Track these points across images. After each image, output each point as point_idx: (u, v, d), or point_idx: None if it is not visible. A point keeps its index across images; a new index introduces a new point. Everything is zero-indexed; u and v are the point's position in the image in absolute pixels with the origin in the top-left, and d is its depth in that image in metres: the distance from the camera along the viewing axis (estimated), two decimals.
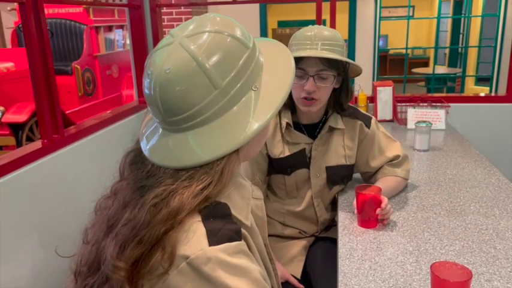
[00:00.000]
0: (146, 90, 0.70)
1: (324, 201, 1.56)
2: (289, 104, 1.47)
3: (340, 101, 1.47)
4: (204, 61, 0.66)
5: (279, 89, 0.72)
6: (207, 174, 0.68)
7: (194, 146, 0.69)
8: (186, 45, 0.67)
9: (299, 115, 1.50)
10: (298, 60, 1.34)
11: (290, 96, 1.45)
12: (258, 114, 0.69)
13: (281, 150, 1.49)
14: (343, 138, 1.51)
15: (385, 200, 1.28)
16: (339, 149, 1.50)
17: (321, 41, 1.35)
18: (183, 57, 0.67)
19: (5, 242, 1.34)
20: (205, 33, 0.69)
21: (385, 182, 1.47)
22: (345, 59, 1.36)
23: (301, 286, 1.48)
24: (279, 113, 1.49)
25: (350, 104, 1.52)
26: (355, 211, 1.32)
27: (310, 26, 1.42)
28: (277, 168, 1.52)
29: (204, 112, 0.68)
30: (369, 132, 1.51)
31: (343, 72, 1.41)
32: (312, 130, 1.50)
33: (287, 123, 1.47)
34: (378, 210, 1.26)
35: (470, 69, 6.23)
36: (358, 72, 1.47)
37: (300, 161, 1.50)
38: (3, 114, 4.58)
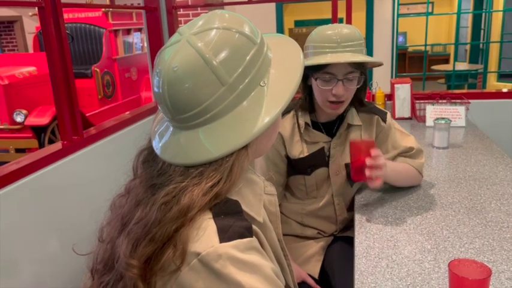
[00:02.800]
0: (155, 89, 0.71)
1: (345, 199, 1.55)
2: (308, 107, 1.46)
3: (360, 97, 1.46)
4: (212, 58, 0.67)
5: (287, 84, 0.71)
6: (216, 171, 0.68)
7: (205, 142, 0.69)
8: (193, 42, 0.68)
9: (317, 114, 1.49)
10: (324, 64, 1.32)
11: (310, 98, 1.44)
12: (267, 109, 0.69)
13: (300, 151, 1.48)
14: (361, 133, 1.49)
15: (377, 151, 1.27)
16: None
17: (343, 42, 1.32)
18: (190, 54, 0.67)
19: (28, 241, 1.37)
20: (213, 30, 0.69)
21: (398, 164, 1.46)
22: (374, 59, 1.35)
23: (318, 287, 1.48)
24: (296, 114, 1.49)
25: (367, 100, 1.51)
26: (351, 164, 1.32)
27: (328, 25, 1.40)
28: (297, 168, 1.51)
29: (213, 109, 0.68)
30: (385, 127, 1.50)
31: (364, 70, 1.39)
32: (330, 128, 1.50)
33: (306, 123, 1.46)
34: (368, 160, 1.26)
35: (492, 65, 6.10)
36: (377, 64, 1.45)
37: (319, 160, 1.49)
38: (26, 117, 4.69)
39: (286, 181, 1.58)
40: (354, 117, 1.48)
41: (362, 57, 1.33)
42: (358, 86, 1.38)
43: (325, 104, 1.40)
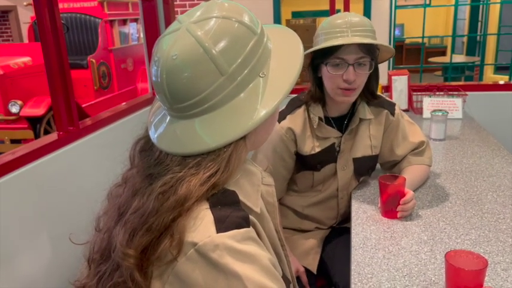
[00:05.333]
0: (154, 78, 0.71)
1: (348, 194, 1.53)
2: (320, 98, 1.42)
3: (371, 88, 1.42)
4: (211, 47, 0.66)
5: (287, 76, 0.71)
6: (214, 161, 0.68)
7: (201, 133, 0.69)
8: (192, 31, 0.67)
9: (329, 108, 1.44)
10: (334, 49, 1.29)
11: (321, 89, 1.40)
12: (265, 101, 0.69)
13: (312, 147, 1.44)
14: (369, 128, 1.47)
15: (409, 193, 1.25)
16: (365, 140, 1.47)
17: (352, 27, 1.30)
18: (189, 43, 0.67)
19: (24, 231, 1.37)
20: (213, 19, 0.69)
21: (413, 173, 1.44)
22: (384, 43, 1.33)
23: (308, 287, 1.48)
24: (307, 108, 1.44)
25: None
26: (379, 203, 1.31)
27: (341, 14, 1.38)
28: (307, 165, 1.48)
29: (211, 98, 0.68)
30: (394, 120, 1.48)
31: (375, 57, 1.36)
32: (340, 123, 1.46)
33: (319, 118, 1.42)
34: (399, 208, 1.25)
35: (489, 57, 6.09)
36: (391, 53, 1.41)
37: (329, 156, 1.46)
38: (21, 108, 4.65)
39: (292, 176, 1.54)
40: (366, 111, 1.44)
41: (371, 40, 1.30)
42: (369, 72, 1.35)
43: (336, 92, 1.35)
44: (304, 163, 1.48)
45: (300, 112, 1.44)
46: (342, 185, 1.50)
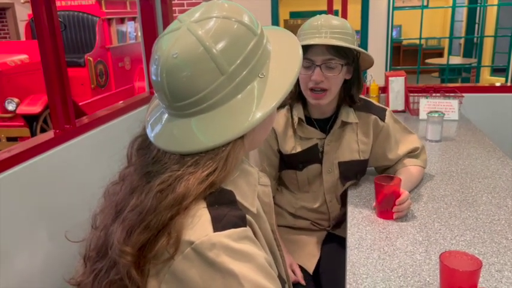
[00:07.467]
0: (153, 77, 0.71)
1: (337, 196, 1.53)
2: (300, 98, 1.43)
3: (351, 93, 1.42)
4: (212, 46, 0.66)
5: (285, 78, 0.71)
6: (212, 160, 0.68)
7: (197, 132, 0.69)
8: (193, 30, 0.67)
9: (310, 109, 1.46)
10: (305, 49, 1.29)
11: (300, 91, 1.41)
12: (262, 103, 0.69)
13: (293, 146, 1.46)
14: (357, 133, 1.46)
15: (404, 194, 1.26)
16: (352, 144, 1.47)
17: (329, 29, 1.31)
18: (190, 42, 0.67)
19: (20, 229, 1.37)
20: (213, 18, 0.69)
21: (408, 174, 1.45)
22: (352, 46, 1.31)
23: (301, 280, 1.46)
24: (290, 108, 1.46)
25: (362, 97, 1.48)
26: (374, 203, 1.31)
27: (318, 16, 1.39)
28: (288, 163, 1.50)
29: (210, 98, 0.68)
30: (384, 126, 1.47)
31: (352, 62, 1.36)
32: (324, 125, 1.47)
33: (299, 118, 1.43)
34: (394, 208, 1.25)
35: (486, 59, 6.11)
36: (370, 62, 1.42)
37: (312, 156, 1.47)
38: (17, 105, 4.64)
39: (279, 174, 1.57)
40: (350, 115, 1.44)
41: (339, 42, 1.29)
42: (344, 78, 1.36)
43: (307, 93, 1.37)
44: (285, 162, 1.50)
45: (283, 112, 1.47)
46: (328, 188, 1.50)
